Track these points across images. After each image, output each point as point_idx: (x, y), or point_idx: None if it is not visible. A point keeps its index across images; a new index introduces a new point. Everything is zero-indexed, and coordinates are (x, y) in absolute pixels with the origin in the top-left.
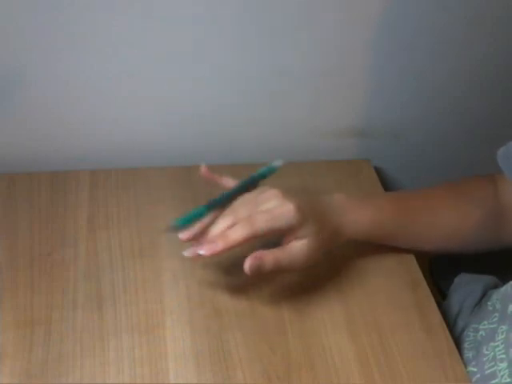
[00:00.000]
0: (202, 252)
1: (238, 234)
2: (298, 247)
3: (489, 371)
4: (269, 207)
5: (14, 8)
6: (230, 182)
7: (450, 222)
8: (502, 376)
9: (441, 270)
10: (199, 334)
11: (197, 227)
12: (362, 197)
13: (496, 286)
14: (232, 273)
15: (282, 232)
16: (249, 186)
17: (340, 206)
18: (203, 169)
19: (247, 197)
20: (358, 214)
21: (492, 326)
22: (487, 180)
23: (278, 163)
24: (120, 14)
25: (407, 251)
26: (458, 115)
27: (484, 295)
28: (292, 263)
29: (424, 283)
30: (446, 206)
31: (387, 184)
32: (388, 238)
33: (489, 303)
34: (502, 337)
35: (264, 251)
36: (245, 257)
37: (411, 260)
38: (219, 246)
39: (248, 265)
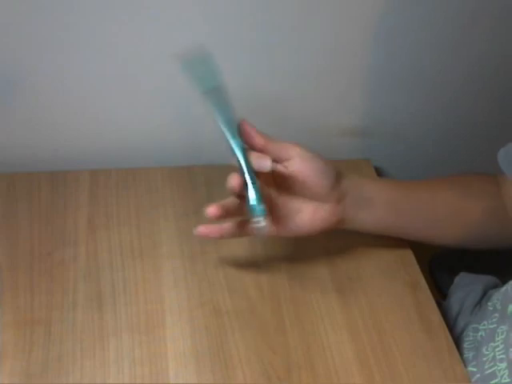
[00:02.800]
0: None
1: None
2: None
3: (489, 371)
4: None
5: (14, 8)
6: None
7: (452, 203)
8: (502, 376)
9: (441, 270)
10: (199, 334)
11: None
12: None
13: (496, 286)
14: (232, 273)
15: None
16: None
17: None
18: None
19: None
20: (359, 177)
21: (492, 327)
22: (492, 177)
23: None
24: (120, 15)
25: (407, 251)
26: (458, 114)
27: (484, 295)
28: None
29: (424, 283)
30: (447, 188)
31: None
32: (386, 209)
33: (489, 303)
34: (502, 337)
35: None
36: (245, 258)
37: (411, 260)
38: None
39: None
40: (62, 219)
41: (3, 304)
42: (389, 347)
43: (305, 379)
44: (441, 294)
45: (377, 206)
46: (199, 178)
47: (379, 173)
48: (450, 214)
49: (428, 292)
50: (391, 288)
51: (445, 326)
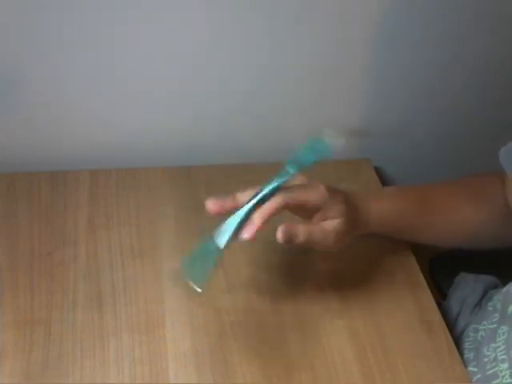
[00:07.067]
0: (245, 237)
1: (272, 202)
2: (330, 225)
3: (490, 372)
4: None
5: (15, 8)
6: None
7: (463, 214)
8: (503, 377)
9: (441, 269)
10: (199, 334)
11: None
12: (378, 189)
13: (496, 286)
14: (232, 273)
15: (313, 207)
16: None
17: (365, 195)
18: (210, 205)
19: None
20: (382, 203)
21: (492, 327)
22: (496, 177)
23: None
24: (121, 15)
25: (407, 251)
26: (458, 114)
27: (484, 295)
28: (324, 240)
29: (424, 283)
30: (459, 198)
31: (387, 184)
32: (405, 228)
33: (489, 304)
34: (503, 337)
35: (297, 223)
36: (245, 258)
37: (411, 260)
38: (256, 222)
39: (280, 232)
40: (62, 219)
41: (3, 304)
42: (389, 347)
43: (305, 379)
44: (441, 293)
45: (392, 228)
46: (199, 178)
47: (379, 173)
48: (461, 223)
49: (428, 292)
50: (391, 288)
51: (445, 326)
